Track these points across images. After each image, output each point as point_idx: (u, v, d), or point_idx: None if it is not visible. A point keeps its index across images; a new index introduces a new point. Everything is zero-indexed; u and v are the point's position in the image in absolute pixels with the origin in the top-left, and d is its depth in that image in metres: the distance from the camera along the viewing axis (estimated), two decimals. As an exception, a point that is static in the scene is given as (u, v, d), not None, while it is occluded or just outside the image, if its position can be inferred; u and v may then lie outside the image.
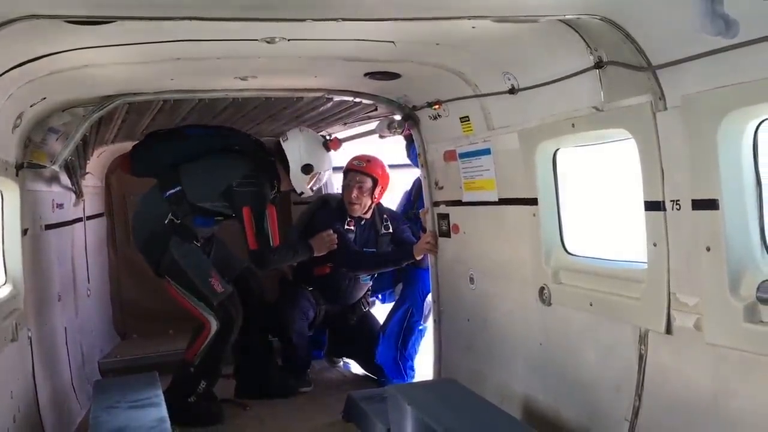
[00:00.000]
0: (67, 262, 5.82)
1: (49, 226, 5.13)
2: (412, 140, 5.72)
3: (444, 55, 3.97)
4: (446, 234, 5.32)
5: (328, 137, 5.68)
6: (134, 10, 2.72)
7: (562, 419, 3.95)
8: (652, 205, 3.13)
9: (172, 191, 5.20)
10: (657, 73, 2.93)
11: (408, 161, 6.38)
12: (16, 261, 4.15)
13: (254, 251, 5.20)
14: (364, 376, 6.49)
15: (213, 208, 5.27)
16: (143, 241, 5.32)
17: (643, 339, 3.30)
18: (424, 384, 5.28)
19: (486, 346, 4.86)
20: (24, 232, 4.27)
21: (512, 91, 3.93)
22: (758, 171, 2.71)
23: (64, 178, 5.63)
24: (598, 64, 3.23)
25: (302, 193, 5.57)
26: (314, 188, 5.65)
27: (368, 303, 6.48)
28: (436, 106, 4.87)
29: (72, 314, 5.73)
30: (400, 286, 6.44)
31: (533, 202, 4.04)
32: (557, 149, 3.93)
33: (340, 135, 7.12)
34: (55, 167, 4.74)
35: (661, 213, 3.07)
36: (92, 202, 6.89)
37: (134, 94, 4.65)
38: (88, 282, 6.54)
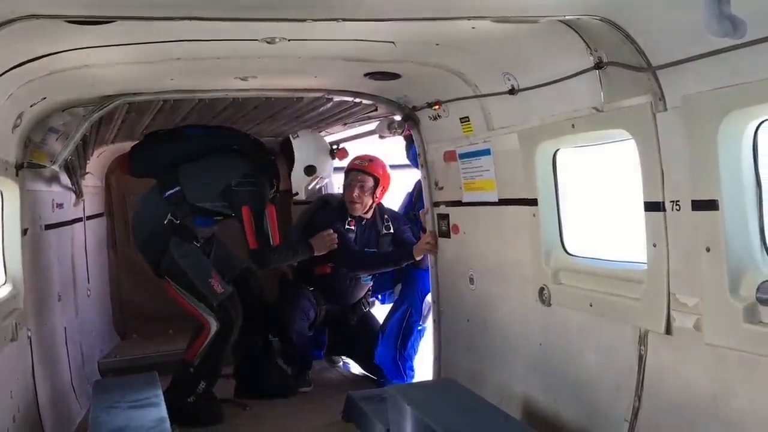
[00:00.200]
0: (67, 262, 5.82)
1: (49, 226, 5.13)
2: (412, 141, 5.73)
3: (444, 55, 3.97)
4: (446, 234, 5.32)
5: (336, 147, 5.67)
6: (134, 10, 2.72)
7: (561, 419, 3.95)
8: (651, 206, 3.13)
9: (172, 191, 5.20)
10: (657, 74, 2.93)
11: (408, 162, 6.38)
12: (16, 261, 4.15)
13: (254, 251, 5.19)
14: (364, 377, 6.49)
15: (212, 208, 5.27)
16: (143, 241, 5.32)
17: (642, 339, 3.30)
18: (423, 384, 5.28)
19: (486, 347, 4.85)
20: (24, 231, 4.27)
21: (512, 91, 3.93)
22: (758, 172, 2.71)
23: (64, 178, 5.63)
24: (598, 65, 3.23)
25: (296, 193, 5.56)
26: (309, 191, 5.65)
27: (368, 303, 6.48)
28: (436, 107, 4.87)
29: (72, 314, 5.73)
30: (399, 287, 6.44)
31: (533, 202, 4.04)
32: (557, 150, 3.93)
33: (340, 135, 7.14)
34: (55, 167, 4.74)
35: (661, 213, 3.08)
36: (92, 202, 6.89)
37: (134, 94, 4.65)
38: (88, 282, 6.54)
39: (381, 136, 5.87)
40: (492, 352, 4.77)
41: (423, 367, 6.11)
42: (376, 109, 5.76)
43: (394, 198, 6.65)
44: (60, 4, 2.58)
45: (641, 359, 3.32)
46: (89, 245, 6.65)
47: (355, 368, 6.72)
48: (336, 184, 7.28)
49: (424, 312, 6.08)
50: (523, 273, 4.24)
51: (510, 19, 3.07)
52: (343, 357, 6.89)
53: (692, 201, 2.87)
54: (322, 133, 6.90)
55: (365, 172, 5.99)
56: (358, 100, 5.25)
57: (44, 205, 5.08)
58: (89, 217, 6.68)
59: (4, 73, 3.24)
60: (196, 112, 5.48)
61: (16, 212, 4.18)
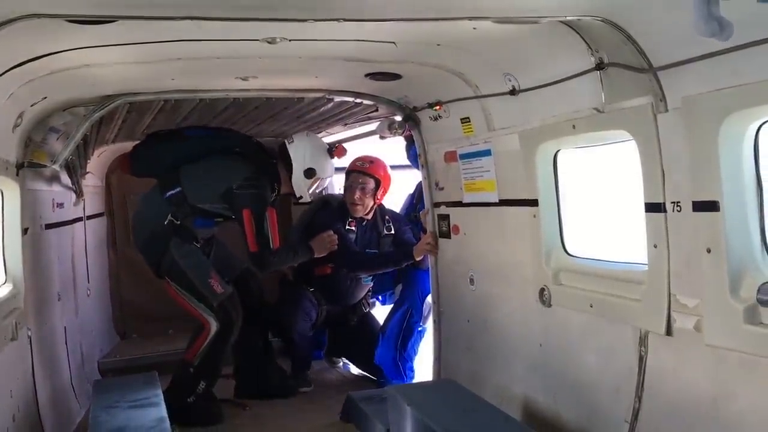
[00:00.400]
0: (67, 261, 5.81)
1: (49, 226, 5.13)
2: (412, 141, 5.72)
3: (445, 55, 3.97)
4: (446, 235, 5.32)
5: (333, 147, 5.67)
6: (135, 9, 2.71)
7: (561, 420, 3.95)
8: (652, 207, 3.13)
9: (173, 192, 5.20)
10: (658, 75, 2.93)
11: (408, 162, 6.38)
12: (16, 260, 4.15)
13: (254, 253, 5.19)
14: (364, 377, 6.49)
15: (213, 209, 5.27)
16: (143, 241, 5.32)
17: (643, 340, 3.30)
18: (423, 385, 5.28)
19: (486, 347, 4.85)
20: (24, 231, 4.27)
21: (513, 92, 3.92)
22: (759, 173, 2.71)
23: (65, 178, 5.63)
24: (599, 66, 3.22)
25: (300, 197, 5.57)
26: (313, 194, 5.64)
27: (369, 304, 6.48)
28: (437, 107, 4.86)
29: (72, 314, 5.73)
30: (399, 287, 6.44)
31: (534, 203, 4.04)
32: (558, 150, 3.92)
33: (341, 136, 7.14)
34: (56, 167, 4.73)
35: (662, 214, 3.07)
36: (92, 202, 6.89)
37: (135, 93, 4.65)
38: (88, 282, 6.54)
39: (381, 137, 5.85)
40: (492, 353, 4.77)
41: (423, 367, 6.11)
42: (376, 110, 5.76)
43: (394, 198, 6.65)
44: (60, 4, 2.58)
45: (641, 360, 3.32)
46: (89, 245, 6.65)
47: (355, 369, 6.71)
48: (336, 184, 7.29)
49: (425, 313, 6.08)
50: (524, 274, 4.24)
51: (511, 20, 3.06)
52: (343, 357, 6.89)
53: (693, 202, 2.87)
54: (323, 134, 6.89)
55: (366, 174, 5.98)
56: (358, 100, 5.25)
57: (44, 204, 5.08)
58: (89, 217, 6.68)
59: (4, 73, 3.24)
60: (197, 112, 5.48)
61: (16, 212, 4.18)
